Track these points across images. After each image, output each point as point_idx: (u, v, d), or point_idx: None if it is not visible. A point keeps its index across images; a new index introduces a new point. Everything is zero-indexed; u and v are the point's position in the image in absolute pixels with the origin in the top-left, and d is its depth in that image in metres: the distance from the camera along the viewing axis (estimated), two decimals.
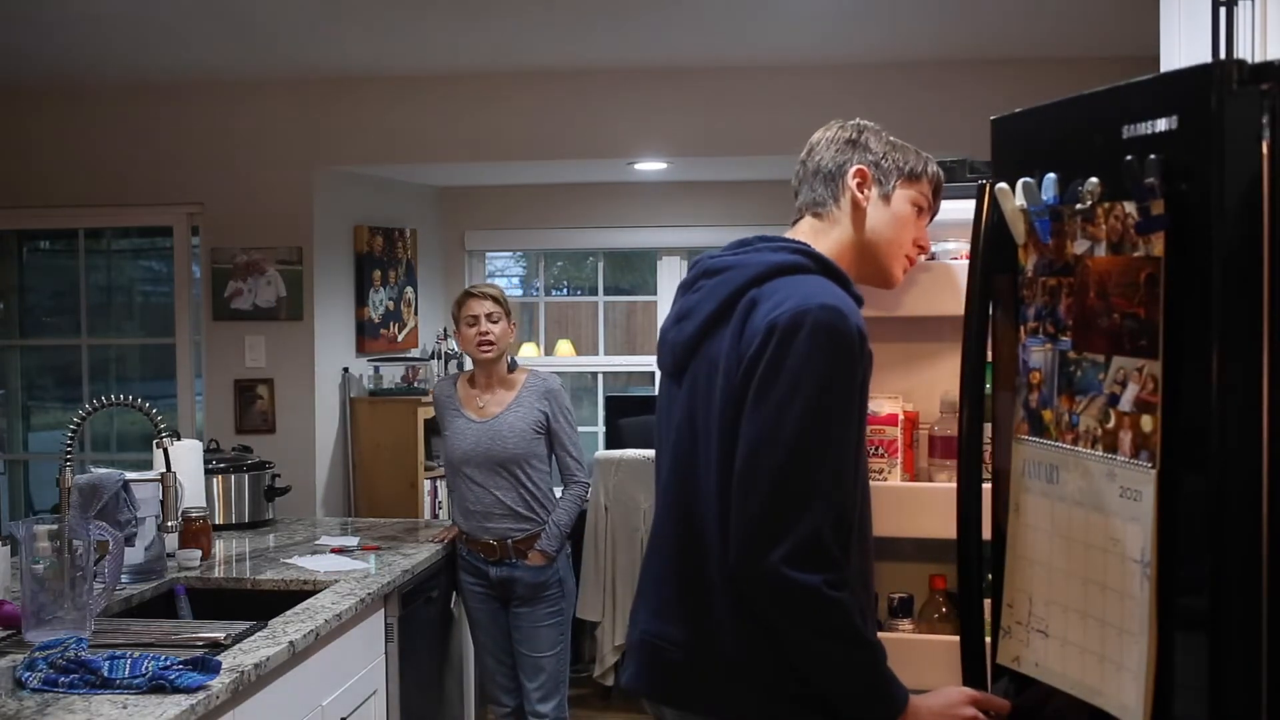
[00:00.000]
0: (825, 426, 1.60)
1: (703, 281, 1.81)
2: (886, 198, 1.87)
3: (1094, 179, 1.42)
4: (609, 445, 5.65)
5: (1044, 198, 1.53)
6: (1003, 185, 1.63)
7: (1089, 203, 1.44)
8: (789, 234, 1.88)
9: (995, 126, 1.75)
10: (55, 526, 2.55)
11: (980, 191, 1.76)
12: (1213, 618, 1.30)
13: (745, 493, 1.62)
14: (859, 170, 1.86)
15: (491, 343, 3.69)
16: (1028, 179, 1.58)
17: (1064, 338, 1.50)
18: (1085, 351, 1.46)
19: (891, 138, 1.92)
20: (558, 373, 4.26)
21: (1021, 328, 1.61)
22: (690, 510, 1.74)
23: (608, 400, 5.93)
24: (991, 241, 1.71)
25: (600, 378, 6.16)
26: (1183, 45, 2.01)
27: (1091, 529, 1.42)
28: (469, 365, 5.66)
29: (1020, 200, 1.59)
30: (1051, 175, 1.52)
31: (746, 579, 1.62)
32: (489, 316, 3.69)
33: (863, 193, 1.85)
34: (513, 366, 3.80)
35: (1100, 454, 1.41)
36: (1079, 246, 1.47)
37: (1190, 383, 1.31)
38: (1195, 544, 1.31)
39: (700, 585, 1.70)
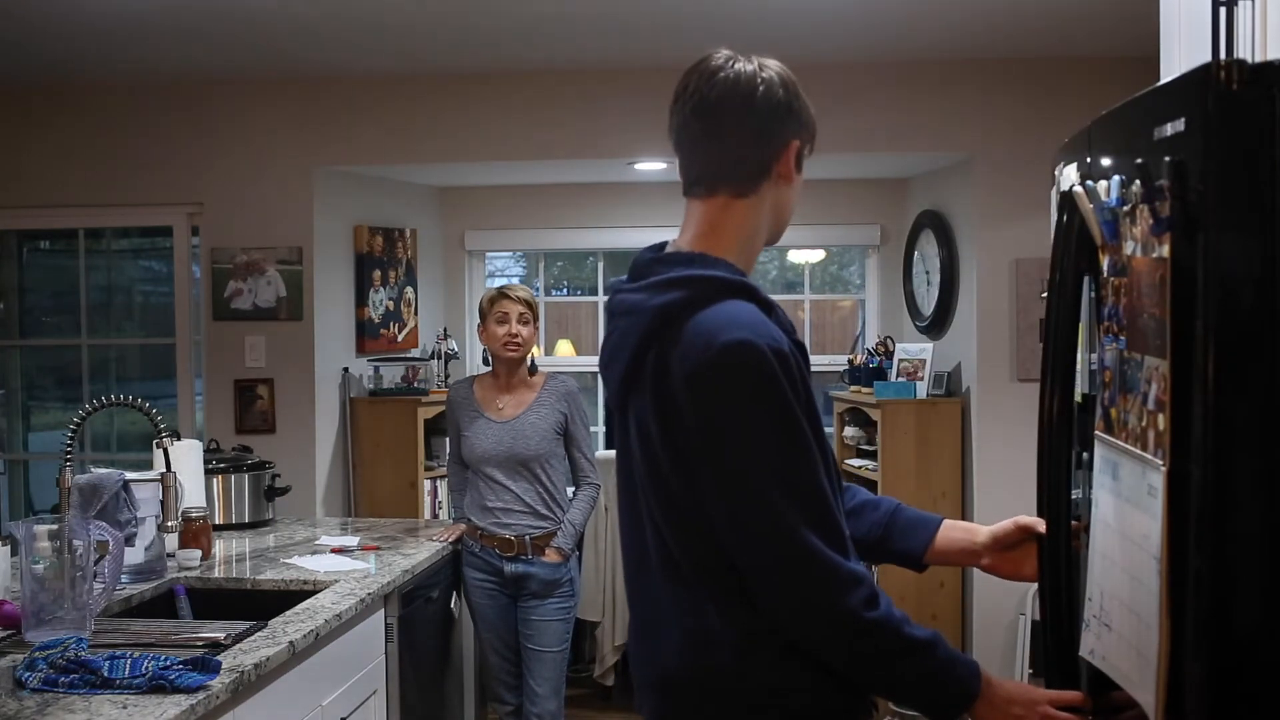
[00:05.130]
0: (786, 462, 1.54)
1: (615, 323, 1.70)
2: (800, 166, 1.69)
3: (1137, 181, 1.42)
4: (609, 445, 5.65)
5: (1107, 200, 1.52)
6: (1078, 188, 1.61)
7: (1130, 205, 1.44)
8: (688, 227, 1.70)
9: (1094, 126, 1.71)
10: (55, 526, 2.55)
11: (1066, 194, 1.72)
12: (1211, 616, 1.30)
13: (749, 566, 1.57)
14: (798, 145, 1.66)
15: (519, 344, 3.78)
16: (1089, 182, 1.57)
17: (1123, 337, 1.50)
18: (1133, 351, 1.46)
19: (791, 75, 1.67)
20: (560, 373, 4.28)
21: (1099, 327, 1.61)
22: (650, 557, 1.69)
23: (607, 400, 5.93)
24: (1079, 242, 1.67)
25: (600, 378, 6.15)
26: (1183, 45, 2.01)
27: (1134, 524, 1.43)
28: (470, 366, 5.69)
29: (1087, 203, 1.58)
30: (1117, 178, 1.51)
31: (795, 636, 1.59)
32: (520, 317, 3.79)
33: (795, 170, 1.67)
34: (533, 369, 3.87)
35: (1139, 450, 1.42)
36: (1128, 248, 1.47)
37: (1192, 383, 1.31)
38: (1195, 541, 1.31)
39: (683, 616, 1.65)
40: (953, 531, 1.88)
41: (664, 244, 1.75)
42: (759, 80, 1.64)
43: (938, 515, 1.91)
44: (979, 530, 1.88)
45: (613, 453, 5.56)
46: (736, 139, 1.66)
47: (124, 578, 3.06)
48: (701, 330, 1.56)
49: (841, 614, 1.55)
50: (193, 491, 3.55)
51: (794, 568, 1.55)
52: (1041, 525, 1.78)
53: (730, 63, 1.66)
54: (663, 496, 1.64)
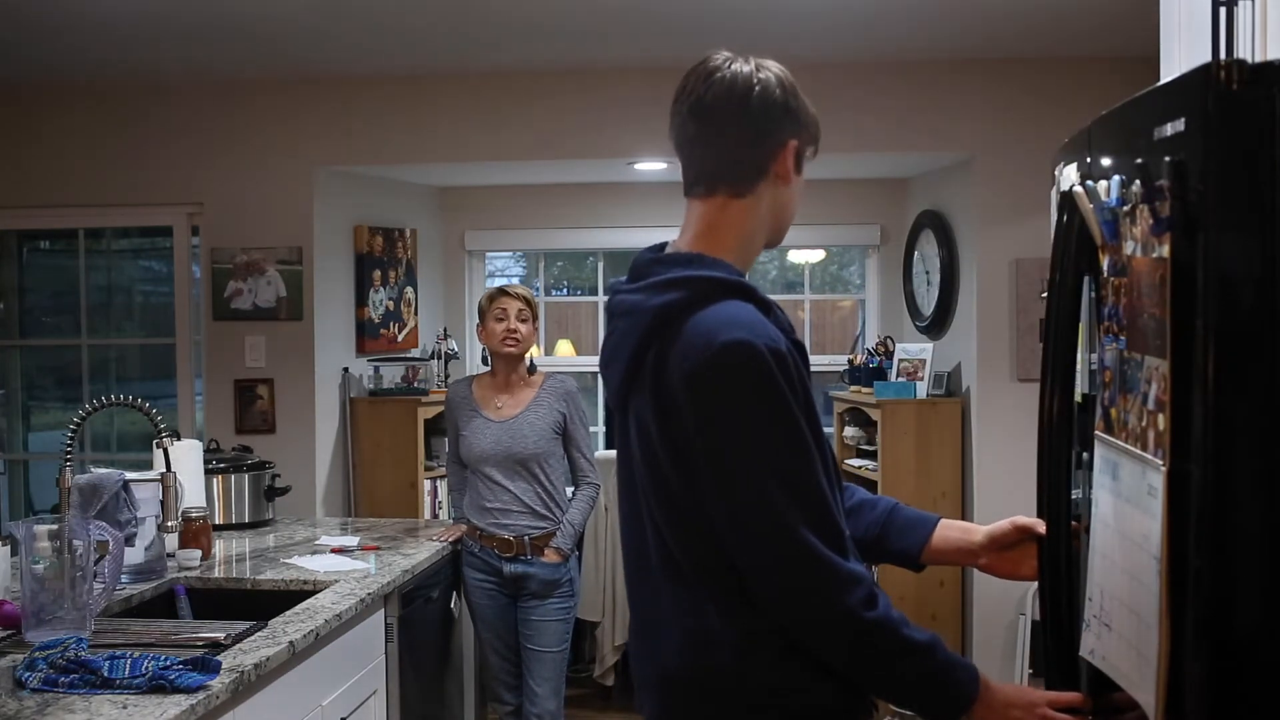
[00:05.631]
0: (785, 462, 1.55)
1: (615, 323, 1.71)
2: (800, 167, 1.71)
3: (1137, 181, 1.42)
4: (609, 445, 5.65)
5: (1107, 200, 1.52)
6: (1079, 188, 1.61)
7: (1130, 205, 1.44)
8: (687, 228, 1.71)
9: (1094, 126, 1.70)
10: (55, 526, 2.55)
11: (1066, 194, 1.72)
12: (1211, 616, 1.30)
13: (748, 565, 1.57)
14: (795, 144, 1.67)
15: (518, 339, 3.78)
16: (1089, 182, 1.57)
17: (1123, 337, 1.50)
18: (1133, 351, 1.46)
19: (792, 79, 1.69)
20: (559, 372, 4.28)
21: (1099, 327, 1.61)
22: (650, 557, 1.69)
23: (607, 400, 5.93)
24: (1079, 242, 1.66)
25: (600, 378, 6.15)
26: (1183, 45, 2.01)
27: (1134, 524, 1.44)
28: (470, 366, 5.69)
29: (1087, 203, 1.57)
30: (1117, 178, 1.51)
31: (795, 636, 1.59)
32: (519, 314, 3.79)
33: (792, 168, 1.68)
34: (532, 369, 3.87)
35: (1139, 450, 1.42)
36: (1128, 248, 1.48)
37: (1192, 383, 1.31)
38: (1195, 541, 1.31)
39: (685, 615, 1.65)
40: (949, 531, 1.88)
41: (663, 245, 1.76)
42: (755, 80, 1.65)
43: (935, 515, 1.91)
44: (976, 530, 1.88)
45: (613, 453, 5.59)
46: (733, 139, 1.67)
47: (124, 578, 3.06)
48: (700, 330, 1.57)
49: (840, 614, 1.56)
50: (193, 491, 3.55)
51: (793, 567, 1.55)
52: (1039, 525, 1.78)
53: (728, 64, 1.67)
54: (663, 496, 1.64)
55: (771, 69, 1.69)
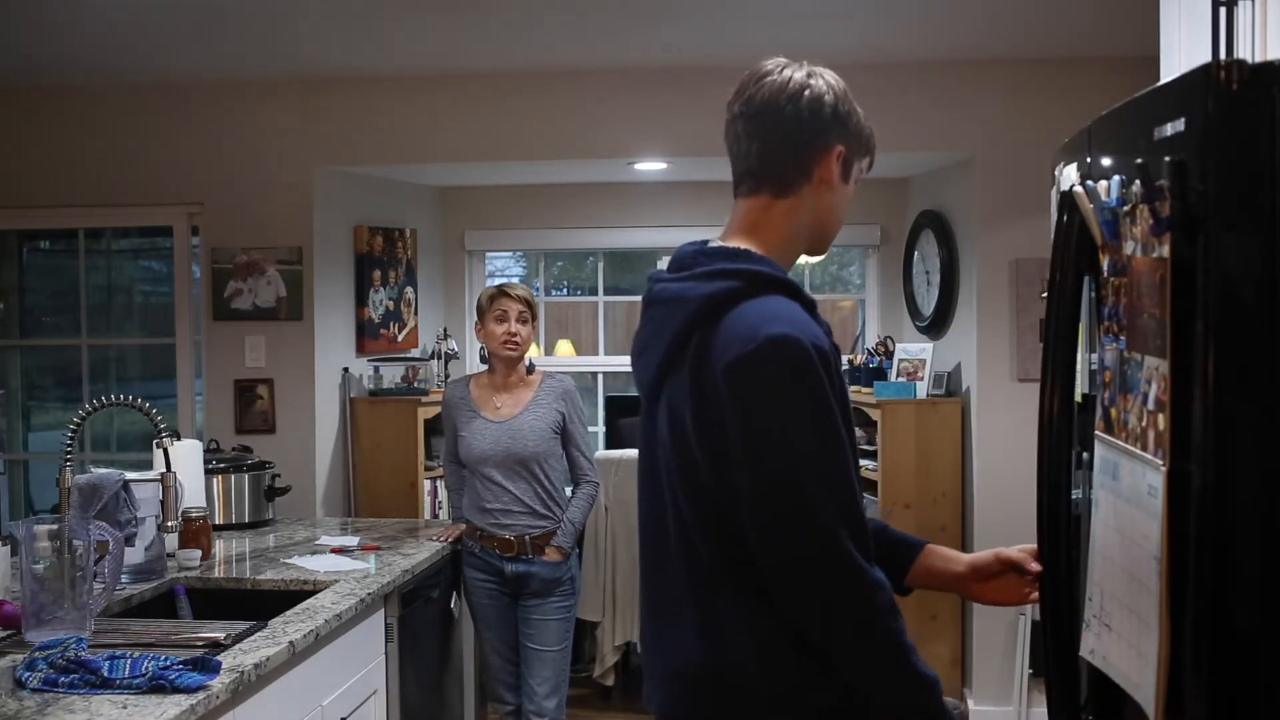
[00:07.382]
0: (821, 456, 1.55)
1: (652, 311, 1.72)
2: (847, 176, 1.74)
3: (1137, 181, 1.42)
4: (609, 445, 5.65)
5: (1107, 200, 1.52)
6: (1079, 188, 1.61)
7: (1130, 205, 1.44)
8: (731, 225, 1.73)
9: (1094, 126, 1.70)
10: (55, 526, 2.55)
11: (1066, 194, 1.72)
12: (1211, 616, 1.30)
13: (772, 556, 1.56)
14: (842, 151, 1.71)
15: (518, 343, 3.78)
16: (1089, 182, 1.57)
17: (1123, 337, 1.50)
18: (1133, 351, 1.46)
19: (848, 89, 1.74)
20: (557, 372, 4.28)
21: (1099, 327, 1.61)
22: (669, 549, 1.69)
23: (608, 400, 5.93)
24: (1079, 242, 1.67)
25: (600, 378, 6.15)
26: (1183, 45, 2.01)
27: (1134, 524, 1.44)
28: (469, 366, 5.69)
29: (1087, 203, 1.58)
30: (1117, 178, 1.51)
31: (807, 627, 1.58)
32: (519, 316, 3.78)
33: (839, 175, 1.71)
34: (531, 369, 3.87)
35: (1139, 450, 1.42)
36: (1128, 248, 1.48)
37: (1192, 383, 1.31)
38: (1195, 541, 1.31)
39: (703, 610, 1.65)
40: (932, 559, 1.89)
41: (705, 241, 1.77)
42: (805, 85, 1.70)
43: (922, 539, 1.92)
44: (959, 559, 1.89)
45: (614, 453, 5.57)
46: (779, 139, 1.70)
47: (124, 578, 3.06)
48: (745, 322, 1.58)
49: (859, 617, 1.56)
50: (193, 491, 3.55)
51: (820, 561, 1.54)
52: (1025, 560, 1.80)
53: (781, 68, 1.72)
54: (691, 485, 1.64)
55: (825, 76, 1.73)
